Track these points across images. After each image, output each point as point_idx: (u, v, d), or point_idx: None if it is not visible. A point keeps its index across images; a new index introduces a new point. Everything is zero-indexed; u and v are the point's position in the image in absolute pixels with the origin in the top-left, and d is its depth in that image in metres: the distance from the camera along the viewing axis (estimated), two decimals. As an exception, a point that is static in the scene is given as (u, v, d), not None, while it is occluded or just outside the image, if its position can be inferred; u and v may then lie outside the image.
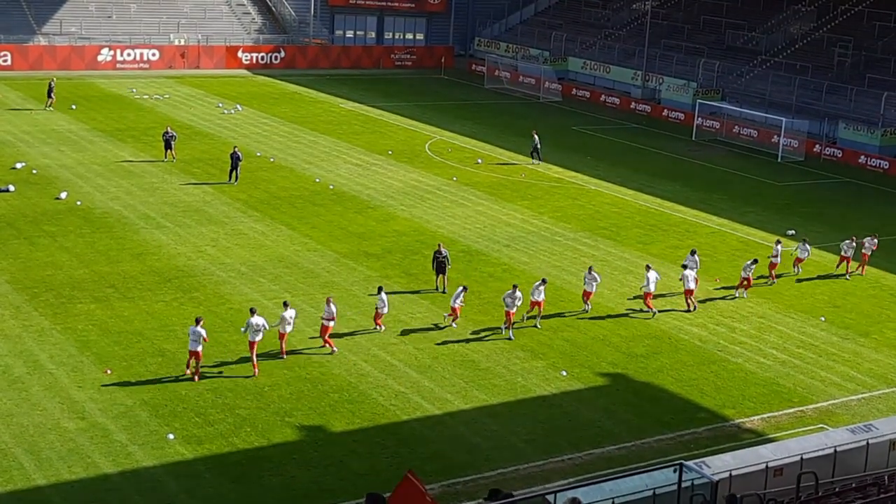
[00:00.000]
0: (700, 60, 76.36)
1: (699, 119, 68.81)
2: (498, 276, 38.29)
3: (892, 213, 51.64)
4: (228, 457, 25.08)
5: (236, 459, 24.99)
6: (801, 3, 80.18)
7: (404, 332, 32.77)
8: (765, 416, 28.89)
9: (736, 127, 67.75)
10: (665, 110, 74.47)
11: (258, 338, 29.07)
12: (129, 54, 79.41)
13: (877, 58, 71.21)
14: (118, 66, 78.48)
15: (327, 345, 30.84)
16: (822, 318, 35.97)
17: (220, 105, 67.76)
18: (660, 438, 27.23)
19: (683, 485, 18.92)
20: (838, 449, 21.24)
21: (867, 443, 21.65)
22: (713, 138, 67.24)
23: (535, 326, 33.50)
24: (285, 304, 30.53)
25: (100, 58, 78.55)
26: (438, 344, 32.02)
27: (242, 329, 29.68)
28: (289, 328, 30.01)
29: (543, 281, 34.05)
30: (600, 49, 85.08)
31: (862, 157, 62.36)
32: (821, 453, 21.08)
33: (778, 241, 40.74)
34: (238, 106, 67.60)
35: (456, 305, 32.96)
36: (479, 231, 43.76)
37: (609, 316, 35.17)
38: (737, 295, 37.36)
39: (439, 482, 24.41)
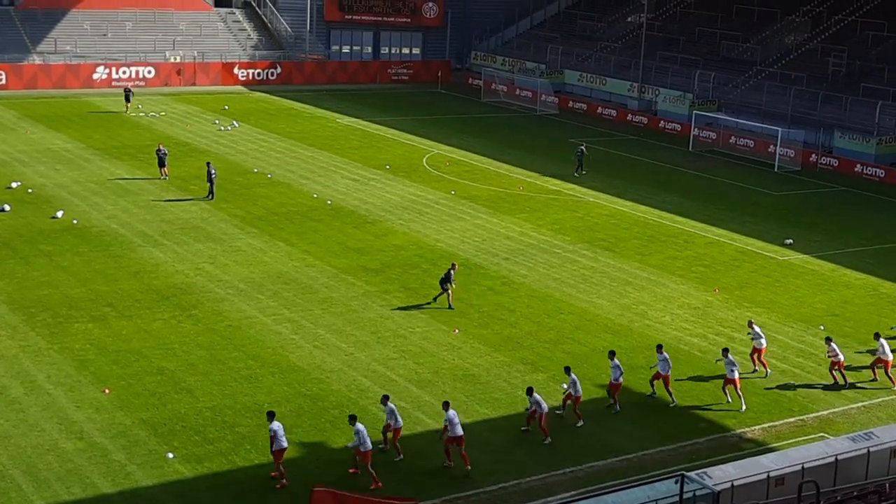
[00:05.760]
0: (696, 72, 76.45)
1: (696, 130, 68.85)
2: (497, 290, 38.24)
3: (888, 222, 51.65)
4: (229, 475, 24.99)
5: (237, 477, 24.90)
6: (795, 14, 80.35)
7: (404, 347, 32.70)
8: (765, 425, 28.82)
9: (732, 137, 67.79)
10: (661, 122, 74.52)
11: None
12: (124, 72, 79.45)
13: (871, 67, 71.31)
14: (114, 83, 78.48)
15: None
16: (822, 327, 35.90)
17: (217, 122, 67.80)
18: (661, 450, 27.17)
19: (685, 496, 18.89)
20: (839, 457, 21.23)
21: (868, 451, 21.64)
22: (710, 149, 67.28)
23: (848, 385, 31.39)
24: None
25: (95, 76, 78.58)
26: (438, 359, 31.96)
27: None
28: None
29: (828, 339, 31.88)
30: (596, 61, 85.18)
31: (858, 165, 62.41)
32: (822, 462, 21.08)
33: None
34: (235, 122, 67.63)
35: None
36: (478, 244, 43.72)
37: (609, 328, 35.16)
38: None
39: (441, 497, 24.35)
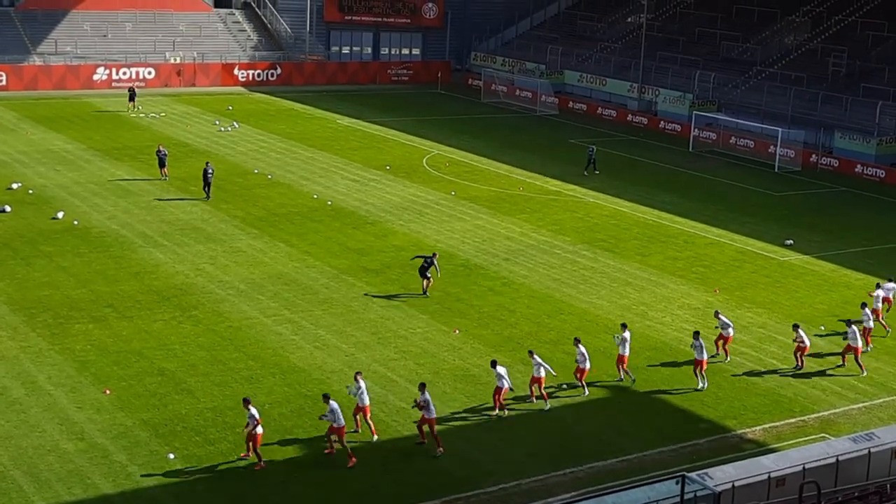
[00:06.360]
0: (696, 72, 76.47)
1: (696, 130, 68.86)
2: (497, 290, 38.25)
3: (888, 222, 51.66)
4: (229, 475, 24.99)
5: (237, 478, 24.90)
6: (795, 15, 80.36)
7: (405, 348, 32.71)
8: (766, 426, 28.82)
9: (732, 138, 67.80)
10: (661, 122, 74.54)
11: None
12: (124, 73, 79.48)
13: (871, 67, 71.32)
14: (114, 84, 78.54)
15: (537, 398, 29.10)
16: (822, 327, 35.93)
17: (217, 122, 67.81)
18: (661, 450, 27.16)
19: (686, 496, 18.88)
20: (840, 458, 21.24)
21: (869, 451, 21.65)
22: (710, 149, 67.30)
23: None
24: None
25: (95, 77, 78.60)
26: (439, 360, 31.97)
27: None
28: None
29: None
30: (596, 62, 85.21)
31: (858, 166, 62.42)
32: (823, 463, 21.10)
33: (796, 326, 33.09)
34: (235, 123, 67.64)
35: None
36: (478, 245, 43.73)
37: (608, 329, 35.16)
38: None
39: (440, 498, 24.35)
